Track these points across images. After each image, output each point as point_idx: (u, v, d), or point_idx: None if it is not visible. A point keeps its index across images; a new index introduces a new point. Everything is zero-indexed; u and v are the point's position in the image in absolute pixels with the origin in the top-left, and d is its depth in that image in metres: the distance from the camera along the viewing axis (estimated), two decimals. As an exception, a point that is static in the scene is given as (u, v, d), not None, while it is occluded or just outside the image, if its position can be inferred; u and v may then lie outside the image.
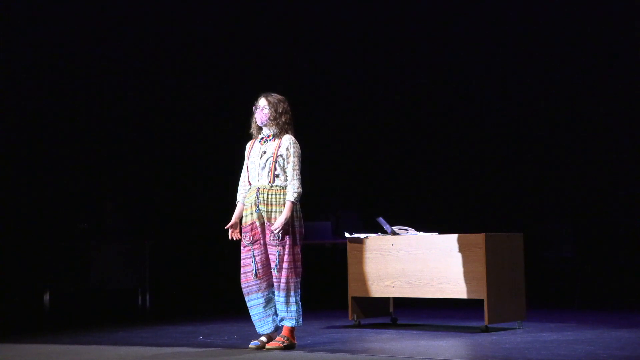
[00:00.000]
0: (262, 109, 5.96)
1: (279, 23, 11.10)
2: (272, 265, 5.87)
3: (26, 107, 10.20)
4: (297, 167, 5.90)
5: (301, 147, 5.98)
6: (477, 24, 10.81)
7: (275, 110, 5.94)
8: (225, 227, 6.06)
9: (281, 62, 11.04)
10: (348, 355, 5.71)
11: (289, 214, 5.83)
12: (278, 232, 5.81)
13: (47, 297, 8.98)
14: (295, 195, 5.86)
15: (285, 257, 5.84)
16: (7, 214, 9.93)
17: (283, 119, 5.94)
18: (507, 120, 10.78)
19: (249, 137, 6.09)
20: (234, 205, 6.09)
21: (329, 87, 11.30)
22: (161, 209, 10.78)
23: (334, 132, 11.26)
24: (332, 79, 11.29)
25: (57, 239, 9.21)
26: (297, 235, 5.90)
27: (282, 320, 5.93)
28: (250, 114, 6.04)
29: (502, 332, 6.64)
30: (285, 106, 5.97)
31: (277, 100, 5.97)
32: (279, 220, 5.82)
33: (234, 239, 6.07)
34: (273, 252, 5.87)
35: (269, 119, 5.94)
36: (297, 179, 5.89)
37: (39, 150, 10.27)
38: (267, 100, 5.97)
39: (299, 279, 5.90)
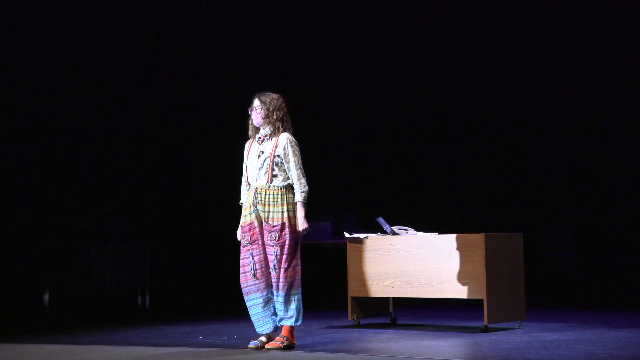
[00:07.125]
0: (256, 109, 5.98)
1: (278, 22, 11.10)
2: (271, 265, 5.87)
3: (27, 108, 10.20)
4: (300, 166, 5.90)
5: (301, 147, 5.97)
6: (477, 24, 10.80)
7: (268, 109, 5.94)
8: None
9: (281, 62, 11.03)
10: (348, 355, 5.71)
11: (303, 214, 5.86)
12: (304, 231, 5.85)
13: (47, 297, 8.99)
14: (304, 194, 5.88)
15: (284, 257, 5.85)
16: (8, 215, 9.93)
17: (275, 116, 5.93)
18: (507, 120, 10.78)
19: (247, 137, 6.09)
20: (235, 206, 6.09)
21: (329, 87, 11.29)
22: (161, 209, 10.78)
23: (334, 132, 11.26)
24: (332, 79, 11.29)
25: (57, 239, 9.21)
26: (296, 235, 5.89)
27: (281, 320, 5.93)
28: (247, 117, 6.06)
29: (501, 332, 6.63)
30: (279, 103, 5.97)
31: (269, 98, 5.97)
32: (300, 224, 5.84)
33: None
34: (271, 252, 5.87)
35: (262, 117, 5.95)
36: (303, 177, 5.90)
37: (39, 150, 10.27)
38: (259, 100, 5.98)
39: (298, 279, 5.89)
